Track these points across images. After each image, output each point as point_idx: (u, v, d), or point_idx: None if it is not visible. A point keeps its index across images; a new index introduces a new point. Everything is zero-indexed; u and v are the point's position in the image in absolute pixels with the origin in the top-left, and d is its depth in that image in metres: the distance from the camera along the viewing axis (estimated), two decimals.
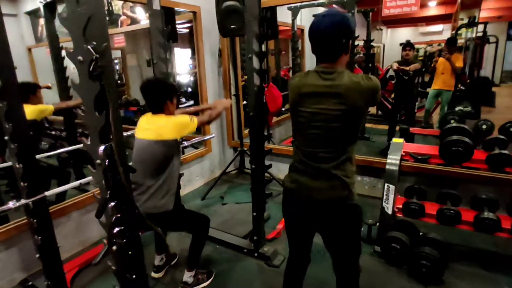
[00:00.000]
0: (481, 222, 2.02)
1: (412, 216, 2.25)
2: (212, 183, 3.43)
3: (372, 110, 5.51)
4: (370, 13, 4.38)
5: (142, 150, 1.71)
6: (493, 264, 2.09)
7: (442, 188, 2.44)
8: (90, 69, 0.99)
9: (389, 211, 2.24)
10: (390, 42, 10.50)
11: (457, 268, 2.07)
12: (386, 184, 2.24)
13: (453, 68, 3.88)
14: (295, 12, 4.08)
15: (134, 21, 4.24)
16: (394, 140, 2.49)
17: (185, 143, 2.58)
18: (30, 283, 2.04)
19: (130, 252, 1.18)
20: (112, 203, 1.13)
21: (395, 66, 3.82)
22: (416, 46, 10.94)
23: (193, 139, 2.96)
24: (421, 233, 2.23)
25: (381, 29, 10.51)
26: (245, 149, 3.50)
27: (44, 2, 2.89)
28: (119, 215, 1.14)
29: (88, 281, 2.09)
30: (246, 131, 4.02)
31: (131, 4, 4.13)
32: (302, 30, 5.28)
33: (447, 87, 4.08)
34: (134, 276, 1.22)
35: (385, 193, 2.25)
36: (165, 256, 2.12)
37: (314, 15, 4.28)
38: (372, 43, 4.88)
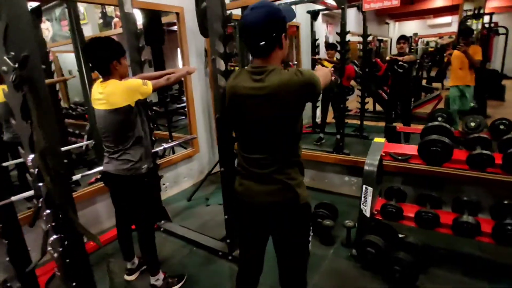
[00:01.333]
0: (460, 226, 1.93)
1: (390, 219, 2.18)
2: (206, 182, 3.45)
3: (370, 106, 5.38)
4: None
5: (102, 120, 1.65)
6: (475, 270, 2.00)
7: (428, 189, 2.36)
8: (12, 79, 0.98)
9: (367, 214, 2.17)
10: (398, 35, 10.22)
11: (436, 273, 1.99)
12: (364, 186, 2.17)
13: (471, 62, 3.57)
14: None
15: None
16: (375, 139, 2.42)
17: (165, 145, 2.59)
18: (8, 284, 2.09)
19: (67, 260, 1.18)
20: (47, 211, 1.13)
21: (388, 56, 3.70)
22: (426, 39, 10.66)
23: (177, 140, 2.97)
24: (400, 237, 2.17)
25: (388, 23, 10.27)
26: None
27: (30, 7, 2.94)
28: (53, 224, 1.14)
29: None
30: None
31: None
32: (298, 27, 5.20)
33: (468, 82, 3.74)
34: (74, 284, 1.21)
35: (363, 195, 2.19)
36: (138, 259, 2.13)
37: (308, 11, 4.19)
38: (381, 38, 4.78)
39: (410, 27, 10.11)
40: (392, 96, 4.19)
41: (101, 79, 1.67)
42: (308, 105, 5.37)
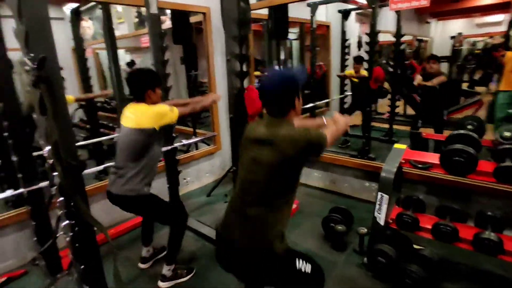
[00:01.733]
0: (481, 242, 1.81)
1: (406, 229, 2.09)
2: (228, 179, 3.53)
3: (400, 110, 5.15)
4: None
5: (124, 137, 1.80)
6: None
7: (452, 201, 2.23)
8: (31, 78, 1.09)
9: (381, 222, 2.10)
10: (441, 35, 9.63)
11: None
12: (379, 193, 2.11)
13: None
14: (313, 8, 3.95)
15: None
16: (396, 145, 2.33)
17: (184, 141, 2.68)
18: (37, 262, 2.29)
19: (77, 245, 1.28)
20: (60, 199, 1.24)
21: (417, 81, 3.49)
22: (472, 39, 9.91)
23: (198, 137, 3.06)
24: (416, 248, 2.07)
25: (429, 22, 9.68)
26: None
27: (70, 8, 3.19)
28: (65, 210, 1.24)
29: None
30: None
31: None
32: (328, 27, 5.10)
33: None
34: (82, 267, 1.32)
35: (378, 202, 2.12)
36: (153, 249, 2.24)
37: (339, 11, 4.10)
38: (421, 38, 4.46)
39: (455, 26, 9.43)
40: (423, 100, 3.98)
41: (134, 102, 1.83)
42: (336, 106, 5.28)
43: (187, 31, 3.54)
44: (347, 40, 4.72)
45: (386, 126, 4.72)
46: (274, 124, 1.24)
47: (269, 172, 1.19)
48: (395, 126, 4.71)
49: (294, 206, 2.90)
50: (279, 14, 3.36)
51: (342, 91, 5.00)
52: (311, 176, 3.44)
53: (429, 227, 1.99)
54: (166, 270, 2.02)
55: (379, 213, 2.12)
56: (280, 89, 1.24)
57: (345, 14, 4.64)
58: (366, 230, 2.27)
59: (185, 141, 2.67)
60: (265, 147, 1.21)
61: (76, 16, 3.20)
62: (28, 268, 2.21)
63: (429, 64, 3.53)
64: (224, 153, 3.78)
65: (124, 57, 5.65)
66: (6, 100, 1.71)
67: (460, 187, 2.31)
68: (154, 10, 2.34)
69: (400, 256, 1.96)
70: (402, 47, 4.79)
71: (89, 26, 5.65)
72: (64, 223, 1.26)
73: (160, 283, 2.02)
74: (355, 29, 5.79)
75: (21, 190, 1.82)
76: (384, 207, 2.09)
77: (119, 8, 4.56)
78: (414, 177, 2.48)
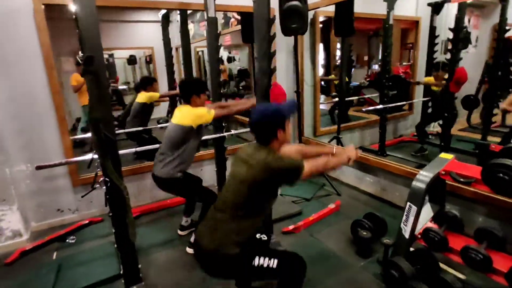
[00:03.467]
0: None
1: (433, 247, 1.90)
2: None
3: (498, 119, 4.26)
4: None
5: (169, 130, 2.23)
6: None
7: (499, 223, 1.90)
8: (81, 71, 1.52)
9: (406, 235, 1.95)
10: None
11: None
12: (408, 203, 1.96)
13: None
14: (390, 3, 3.65)
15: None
16: (442, 154, 2.11)
17: (234, 131, 2.98)
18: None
19: (107, 196, 1.69)
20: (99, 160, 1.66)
21: (503, 106, 2.86)
22: None
23: (238, 131, 3.30)
24: (442, 268, 1.85)
25: None
26: (303, 145, 3.56)
27: (161, 14, 3.83)
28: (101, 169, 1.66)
29: (145, 222, 2.84)
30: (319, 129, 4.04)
31: None
32: (417, 22, 4.62)
33: None
34: (110, 214, 1.73)
35: (405, 213, 1.98)
36: (191, 220, 2.61)
37: (429, 4, 3.74)
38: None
39: None
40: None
41: (183, 104, 2.27)
42: (418, 109, 4.75)
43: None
44: (437, 36, 4.18)
45: (477, 136, 4.03)
46: (257, 149, 1.42)
47: (239, 188, 1.38)
48: (491, 138, 3.97)
49: (333, 206, 2.88)
50: (342, 9, 3.29)
51: (426, 94, 4.48)
52: (362, 180, 3.30)
53: (458, 249, 1.76)
54: (184, 221, 2.52)
55: (405, 225, 1.98)
56: (263, 122, 1.42)
57: (435, 7, 4.11)
58: (391, 241, 2.12)
59: (233, 131, 2.95)
60: (243, 166, 1.40)
61: (165, 20, 3.83)
62: (104, 217, 2.87)
63: None
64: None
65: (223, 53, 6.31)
66: None
67: (508, 208, 1.93)
68: (212, 13, 2.66)
69: (416, 274, 1.80)
70: None
71: (191, 28, 6.56)
72: (101, 179, 1.69)
73: (188, 249, 2.38)
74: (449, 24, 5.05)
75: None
76: (411, 219, 1.94)
77: None
78: (460, 192, 2.17)
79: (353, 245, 2.36)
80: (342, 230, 2.55)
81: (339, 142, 3.69)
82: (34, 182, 2.58)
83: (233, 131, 2.99)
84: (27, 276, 2.11)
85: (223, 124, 2.75)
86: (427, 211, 2.18)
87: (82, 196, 2.24)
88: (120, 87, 6.16)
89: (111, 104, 1.68)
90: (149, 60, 6.69)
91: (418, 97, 4.85)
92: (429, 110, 4.48)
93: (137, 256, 1.92)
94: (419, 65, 4.77)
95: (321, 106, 4.65)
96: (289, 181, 1.41)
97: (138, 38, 6.40)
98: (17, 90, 2.41)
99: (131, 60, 6.79)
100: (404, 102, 4.81)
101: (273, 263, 1.41)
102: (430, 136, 4.42)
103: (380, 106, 3.95)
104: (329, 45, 5.46)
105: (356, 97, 5.46)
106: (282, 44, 3.59)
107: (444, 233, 1.88)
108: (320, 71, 5.09)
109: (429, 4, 4.17)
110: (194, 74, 4.19)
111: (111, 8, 3.23)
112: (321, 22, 3.96)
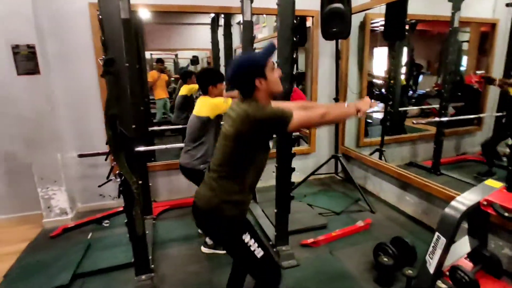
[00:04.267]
0: None
1: None
2: (314, 181, 3.65)
3: None
4: None
5: (189, 121, 2.31)
6: None
7: None
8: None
9: (431, 269, 1.71)
10: None
11: None
12: (436, 233, 1.72)
13: None
14: (456, 4, 3.21)
15: None
16: (488, 181, 1.81)
17: None
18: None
19: (120, 188, 1.81)
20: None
21: None
22: None
23: None
24: None
25: None
26: (339, 155, 3.36)
27: (211, 17, 3.98)
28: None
29: (173, 216, 2.98)
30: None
31: None
32: (494, 25, 4.01)
33: None
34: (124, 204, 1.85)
35: (432, 244, 1.74)
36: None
37: (507, 4, 3.30)
38: None
39: None
40: None
41: (202, 95, 2.30)
42: (489, 124, 4.11)
43: (302, 35, 3.72)
44: None
45: None
46: (241, 102, 1.33)
47: (226, 144, 1.32)
48: None
49: (361, 224, 2.65)
50: (393, 10, 3.01)
51: (502, 107, 3.84)
52: (402, 199, 2.98)
53: None
54: (208, 238, 2.39)
55: (430, 257, 1.73)
56: (238, 74, 1.31)
57: None
58: (414, 273, 1.87)
59: None
60: (228, 121, 1.33)
61: (214, 23, 3.97)
62: None
63: None
64: (320, 156, 3.76)
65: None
66: None
67: None
68: (248, 17, 2.67)
69: None
70: None
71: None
72: (117, 171, 1.82)
73: (203, 248, 2.41)
74: None
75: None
76: (439, 252, 1.69)
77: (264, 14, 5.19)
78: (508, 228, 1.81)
79: (374, 270, 2.14)
80: (366, 251, 2.33)
81: (382, 156, 3.39)
82: (81, 168, 2.91)
83: None
84: (62, 250, 2.38)
85: None
86: (463, 246, 1.89)
87: (99, 186, 2.44)
88: None
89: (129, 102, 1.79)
90: (209, 61, 7.05)
91: (491, 111, 4.20)
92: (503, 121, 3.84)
93: (147, 247, 2.02)
94: (493, 73, 4.12)
95: (377, 115, 4.36)
96: (276, 131, 1.32)
97: (199, 40, 6.75)
98: (72, 83, 2.75)
99: (194, 61, 7.23)
100: (472, 116, 4.22)
101: (259, 252, 1.35)
102: (503, 158, 3.79)
103: (436, 119, 3.54)
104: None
105: (415, 107, 4.95)
106: (326, 48, 3.44)
107: (477, 275, 1.59)
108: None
109: (507, 5, 3.58)
110: None
111: (171, 13, 3.51)
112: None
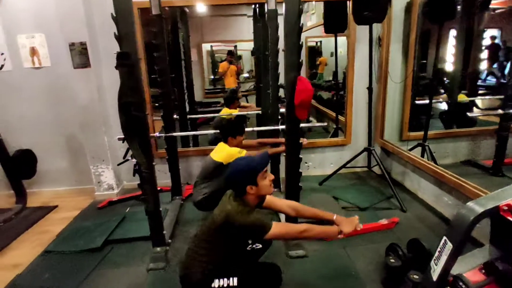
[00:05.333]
0: None
1: None
2: (348, 174, 3.55)
3: None
4: None
5: (204, 160, 2.58)
6: None
7: None
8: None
9: (434, 276, 1.57)
10: None
11: None
12: (444, 237, 1.57)
13: None
14: None
15: None
16: None
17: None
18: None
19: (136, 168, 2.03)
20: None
21: None
22: None
23: (309, 124, 3.19)
24: None
25: None
26: (372, 148, 3.14)
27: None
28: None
29: None
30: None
31: None
32: None
33: None
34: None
35: (438, 249, 1.59)
36: None
37: None
38: None
39: None
40: None
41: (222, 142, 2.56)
42: None
43: (342, 20, 3.51)
44: None
45: None
46: (231, 198, 1.51)
47: (209, 226, 1.53)
48: None
49: (385, 222, 2.50)
50: None
51: None
52: (440, 200, 2.68)
53: None
54: None
55: (435, 264, 1.59)
56: (232, 179, 1.51)
57: None
58: (419, 278, 1.71)
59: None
60: (218, 209, 1.53)
61: (255, 14, 3.99)
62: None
63: None
64: (356, 148, 3.56)
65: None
66: None
67: None
68: (272, 6, 2.67)
69: None
70: None
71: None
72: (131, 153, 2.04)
73: None
74: None
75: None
76: (444, 259, 1.54)
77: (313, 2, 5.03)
78: None
79: (384, 271, 2.01)
80: (380, 251, 2.18)
81: (424, 152, 3.06)
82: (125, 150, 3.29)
83: None
84: (103, 219, 2.77)
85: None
86: (480, 255, 1.66)
87: (118, 165, 2.76)
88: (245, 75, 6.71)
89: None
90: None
91: None
92: None
93: (162, 221, 2.23)
94: None
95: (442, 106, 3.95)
96: (252, 238, 1.49)
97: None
98: (118, 76, 3.09)
99: (253, 52, 7.41)
100: None
101: (233, 281, 1.49)
102: None
103: (499, 111, 3.06)
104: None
105: (481, 97, 4.29)
106: (365, 34, 3.21)
107: None
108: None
109: None
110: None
111: (226, 5, 3.68)
112: None
